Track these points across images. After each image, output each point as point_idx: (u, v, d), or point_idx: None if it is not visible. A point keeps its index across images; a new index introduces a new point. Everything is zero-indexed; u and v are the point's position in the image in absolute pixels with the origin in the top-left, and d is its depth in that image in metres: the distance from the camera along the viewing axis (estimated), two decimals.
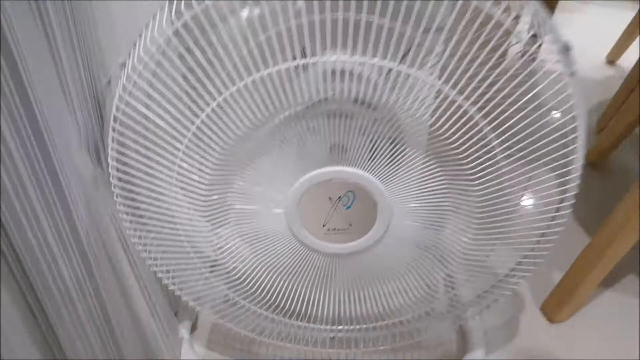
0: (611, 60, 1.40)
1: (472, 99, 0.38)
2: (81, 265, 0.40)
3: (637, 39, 1.33)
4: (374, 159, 0.42)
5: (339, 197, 0.42)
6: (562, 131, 0.42)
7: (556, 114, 0.41)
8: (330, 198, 0.42)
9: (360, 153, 0.42)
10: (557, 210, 0.48)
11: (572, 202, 0.46)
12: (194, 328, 0.64)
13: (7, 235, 0.34)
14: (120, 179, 0.42)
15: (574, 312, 0.67)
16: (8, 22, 0.30)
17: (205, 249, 0.47)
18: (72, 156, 0.38)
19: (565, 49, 0.38)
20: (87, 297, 0.41)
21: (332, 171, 0.40)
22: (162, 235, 0.45)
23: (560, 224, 0.47)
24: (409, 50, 0.37)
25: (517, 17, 0.37)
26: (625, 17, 1.33)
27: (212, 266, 0.48)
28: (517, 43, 0.38)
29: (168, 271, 0.48)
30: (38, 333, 0.39)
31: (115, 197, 0.43)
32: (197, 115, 0.38)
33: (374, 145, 0.43)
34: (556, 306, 0.66)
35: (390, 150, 0.42)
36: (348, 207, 0.42)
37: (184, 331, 0.59)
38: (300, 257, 0.45)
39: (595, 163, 0.98)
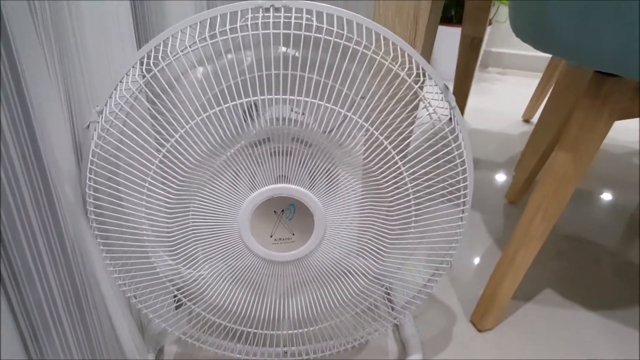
0: (526, 118, 1.61)
1: (387, 135, 0.50)
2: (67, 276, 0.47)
3: (544, 100, 1.55)
4: (312, 183, 0.52)
5: (282, 210, 0.51)
6: (452, 155, 0.54)
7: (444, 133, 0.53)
8: (275, 211, 0.51)
9: (301, 181, 0.52)
10: (455, 235, 0.57)
11: (466, 217, 0.56)
12: (159, 354, 0.69)
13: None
14: (95, 206, 0.50)
15: (499, 320, 0.77)
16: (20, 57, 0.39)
17: (170, 271, 0.54)
18: (62, 180, 0.46)
19: (445, 88, 0.51)
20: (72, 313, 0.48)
21: (275, 187, 0.50)
22: (133, 261, 0.52)
23: (455, 247, 0.57)
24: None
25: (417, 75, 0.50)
26: (535, 82, 1.56)
27: (178, 287, 0.55)
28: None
29: (135, 293, 0.55)
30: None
31: (90, 223, 0.50)
32: (162, 146, 0.48)
33: (311, 175, 0.53)
34: (482, 316, 0.75)
35: (326, 178, 0.53)
36: (290, 219, 0.51)
37: (150, 355, 0.64)
38: (252, 266, 0.53)
39: (514, 201, 1.13)
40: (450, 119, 0.53)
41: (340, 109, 0.48)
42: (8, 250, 0.42)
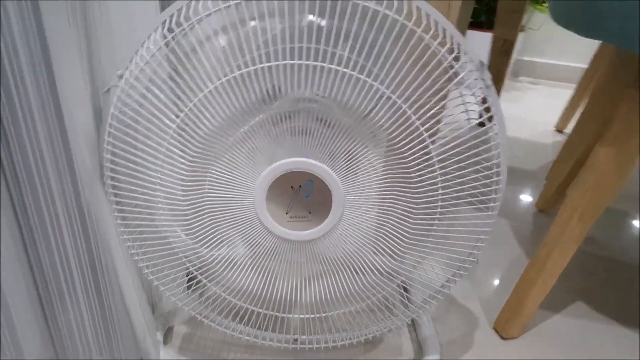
0: (560, 128, 1.55)
1: (416, 110, 0.47)
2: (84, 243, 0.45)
3: (579, 110, 1.49)
4: (332, 164, 0.50)
5: (300, 185, 0.48)
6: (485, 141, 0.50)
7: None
8: (292, 187, 0.49)
9: (321, 161, 0.49)
10: (481, 233, 0.54)
11: (492, 225, 0.52)
12: (167, 336, 0.67)
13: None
14: (112, 170, 0.48)
15: (524, 329, 0.72)
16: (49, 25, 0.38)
17: (184, 241, 0.52)
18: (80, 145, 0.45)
19: (481, 65, 0.48)
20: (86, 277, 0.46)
21: (294, 160, 0.48)
22: (147, 230, 0.50)
23: (479, 249, 0.53)
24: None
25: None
26: (569, 93, 1.51)
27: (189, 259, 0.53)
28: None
29: (148, 262, 0.53)
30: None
31: (106, 189, 0.49)
32: (180, 111, 0.46)
33: (332, 156, 0.50)
34: (506, 323, 0.71)
35: (347, 158, 0.50)
36: (307, 196, 0.49)
37: (158, 334, 0.62)
38: (265, 244, 0.51)
39: (545, 210, 1.08)
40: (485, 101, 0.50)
41: (366, 78, 0.45)
42: (28, 212, 0.41)
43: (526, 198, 1.14)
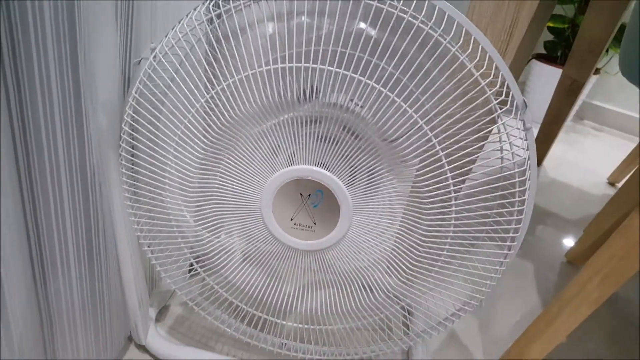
0: (612, 181, 1.46)
1: (444, 146, 0.44)
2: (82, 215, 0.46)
3: (637, 166, 1.40)
4: (351, 180, 0.48)
5: (309, 194, 0.47)
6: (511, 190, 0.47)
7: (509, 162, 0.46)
8: (301, 194, 0.47)
9: (340, 173, 0.48)
10: (496, 270, 0.51)
11: (510, 257, 0.49)
12: (161, 313, 0.68)
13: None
14: (129, 144, 0.48)
15: None
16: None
17: (188, 229, 0.52)
18: (96, 115, 0.45)
19: (524, 105, 0.45)
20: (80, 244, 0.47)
21: (309, 169, 0.46)
22: (152, 209, 0.50)
23: (489, 287, 0.50)
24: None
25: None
26: (631, 146, 1.41)
27: (191, 248, 0.52)
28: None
29: (150, 244, 0.54)
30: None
31: (120, 160, 0.49)
32: (207, 92, 0.45)
33: (352, 170, 0.49)
34: None
35: (368, 177, 0.48)
36: (315, 206, 0.47)
37: (152, 311, 0.63)
38: (266, 246, 0.50)
39: (574, 262, 1.01)
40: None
41: (407, 107, 0.43)
42: (30, 160, 0.41)
43: (558, 247, 1.08)
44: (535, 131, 1.42)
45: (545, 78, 1.72)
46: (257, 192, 0.48)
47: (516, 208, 0.45)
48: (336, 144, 0.48)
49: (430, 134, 0.43)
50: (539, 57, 1.77)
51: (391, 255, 0.49)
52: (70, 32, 0.39)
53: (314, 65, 0.43)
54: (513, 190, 0.46)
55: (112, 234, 0.51)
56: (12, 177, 0.39)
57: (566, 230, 1.16)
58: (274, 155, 0.48)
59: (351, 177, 0.48)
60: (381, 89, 0.42)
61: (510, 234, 0.48)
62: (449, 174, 0.45)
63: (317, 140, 0.48)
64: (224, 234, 0.50)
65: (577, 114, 2.00)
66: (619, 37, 1.52)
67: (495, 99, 0.44)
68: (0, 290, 0.39)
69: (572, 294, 0.59)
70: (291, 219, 0.48)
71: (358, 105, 0.47)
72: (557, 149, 1.59)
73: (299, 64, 0.43)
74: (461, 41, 0.43)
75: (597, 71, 1.80)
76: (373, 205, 0.48)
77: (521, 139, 0.46)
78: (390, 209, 0.49)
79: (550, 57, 1.78)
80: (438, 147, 0.44)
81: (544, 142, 1.41)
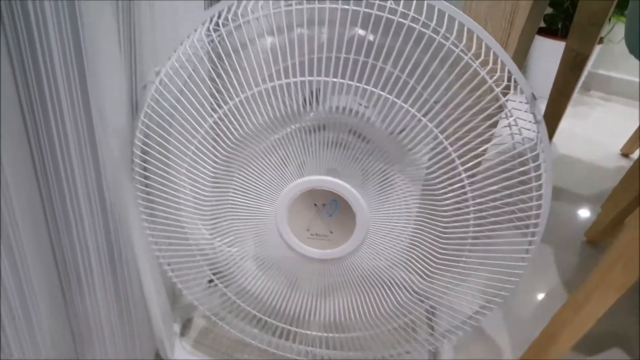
0: (625, 152, 1.44)
1: (456, 147, 0.44)
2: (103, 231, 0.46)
3: None
4: (364, 183, 0.48)
5: (323, 204, 0.47)
6: (528, 185, 0.47)
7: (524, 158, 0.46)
8: (315, 204, 0.47)
9: (352, 177, 0.48)
10: (521, 259, 0.51)
11: (533, 251, 0.49)
12: (185, 327, 0.68)
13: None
14: (142, 167, 0.48)
15: None
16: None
17: (205, 244, 0.52)
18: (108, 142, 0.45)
19: (533, 97, 0.44)
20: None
21: (321, 179, 0.46)
22: (169, 229, 0.51)
23: (520, 273, 0.50)
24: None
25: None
26: None
27: (210, 263, 0.53)
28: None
29: (170, 261, 0.54)
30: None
31: (134, 183, 0.49)
32: (214, 112, 0.45)
33: (364, 173, 0.48)
34: None
35: (380, 181, 0.48)
36: (330, 215, 0.47)
37: (176, 326, 0.63)
38: (283, 257, 0.50)
39: (595, 241, 1.01)
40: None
41: (409, 108, 0.42)
42: (51, 193, 0.42)
43: (576, 226, 1.07)
44: (542, 106, 1.41)
45: (547, 52, 1.70)
46: (271, 206, 0.48)
47: (534, 193, 0.45)
48: (345, 149, 0.48)
49: (436, 131, 0.43)
50: (539, 31, 1.74)
51: (411, 255, 0.49)
52: (77, 59, 0.39)
53: (318, 78, 0.43)
54: (529, 175, 0.45)
55: (133, 255, 0.51)
56: (36, 209, 0.40)
57: (582, 207, 1.15)
58: (285, 166, 0.48)
59: (364, 181, 0.48)
60: (387, 95, 0.42)
61: (532, 220, 0.48)
62: (460, 168, 0.45)
63: (326, 146, 0.48)
64: (240, 247, 0.51)
65: (583, 85, 1.97)
66: (621, 4, 1.49)
67: (503, 93, 0.44)
68: (30, 314, 0.40)
69: (596, 281, 0.59)
70: (307, 229, 0.48)
71: (362, 105, 0.47)
72: (565, 123, 1.57)
73: (303, 78, 0.43)
74: (464, 40, 0.42)
75: (600, 40, 1.77)
76: (388, 208, 0.48)
77: (530, 122, 0.45)
78: (406, 209, 0.49)
79: (550, 30, 1.75)
80: (446, 143, 0.44)
81: (552, 118, 1.39)
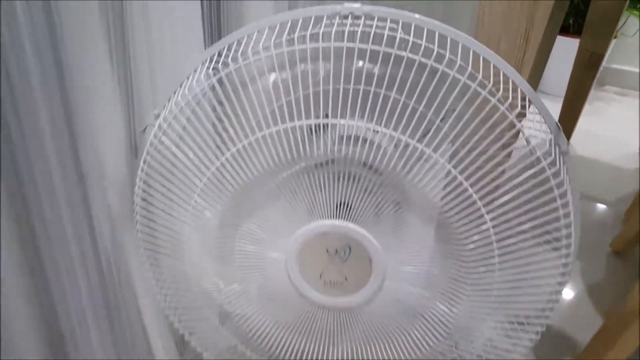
0: None
1: (475, 185, 0.41)
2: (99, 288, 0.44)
3: None
4: (377, 220, 0.45)
5: (336, 250, 0.44)
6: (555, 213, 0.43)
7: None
8: (327, 250, 0.44)
9: (365, 213, 0.45)
10: (555, 291, 0.48)
11: (566, 282, 0.46)
12: None
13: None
14: (143, 216, 0.46)
15: None
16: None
17: (212, 293, 0.50)
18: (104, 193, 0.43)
19: (557, 128, 0.41)
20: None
21: (332, 224, 0.43)
22: (174, 278, 0.48)
23: (556, 301, 0.47)
24: (428, 131, 0.41)
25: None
26: None
27: (218, 311, 0.50)
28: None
29: (176, 310, 0.52)
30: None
31: (137, 233, 0.47)
32: (217, 158, 0.43)
33: (378, 206, 0.46)
34: None
35: (394, 215, 0.45)
36: (344, 261, 0.44)
37: None
38: (297, 308, 0.47)
39: (621, 252, 0.96)
40: (556, 162, 0.43)
41: (417, 144, 0.40)
42: (42, 256, 0.40)
43: (600, 236, 1.03)
44: (557, 106, 1.37)
45: (558, 49, 1.64)
46: (281, 253, 0.45)
47: (560, 206, 0.41)
48: (356, 181, 0.45)
49: (449, 166, 0.40)
50: None
51: (435, 300, 0.46)
52: (66, 115, 0.37)
53: (325, 121, 0.40)
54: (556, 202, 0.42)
55: (136, 308, 0.49)
56: (25, 277, 0.38)
57: (605, 215, 1.11)
58: (293, 207, 0.45)
59: (377, 217, 0.45)
60: (408, 139, 0.39)
61: (564, 238, 0.44)
62: (483, 210, 0.42)
63: (336, 179, 0.45)
64: (248, 296, 0.48)
65: (597, 81, 1.91)
66: None
67: (519, 119, 0.41)
68: None
69: (632, 307, 0.55)
70: (320, 277, 0.45)
71: (372, 130, 0.44)
72: (581, 121, 1.53)
73: (310, 121, 0.40)
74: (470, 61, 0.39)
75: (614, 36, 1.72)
76: (405, 249, 0.45)
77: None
78: (423, 247, 0.46)
79: (561, 28, 1.71)
80: (465, 183, 0.41)
81: (568, 119, 1.35)
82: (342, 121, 0.41)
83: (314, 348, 0.50)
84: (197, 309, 0.50)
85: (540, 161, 0.41)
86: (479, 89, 0.38)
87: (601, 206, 1.13)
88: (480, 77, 0.38)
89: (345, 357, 0.50)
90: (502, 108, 0.39)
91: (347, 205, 0.46)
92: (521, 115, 0.41)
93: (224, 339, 0.53)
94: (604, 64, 1.84)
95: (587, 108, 1.69)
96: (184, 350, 0.66)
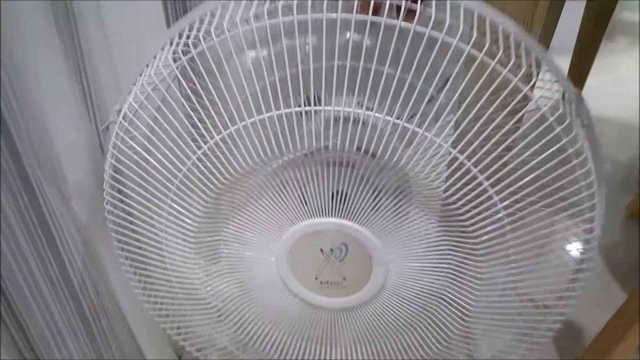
0: None
1: (482, 166, 0.36)
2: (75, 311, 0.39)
3: None
4: (376, 211, 0.40)
5: (331, 249, 0.40)
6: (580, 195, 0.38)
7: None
8: (322, 249, 0.40)
9: (362, 203, 0.40)
10: (578, 270, 0.43)
11: (594, 261, 0.41)
12: None
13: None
14: (114, 223, 0.42)
15: None
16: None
17: (200, 296, 0.46)
18: (69, 205, 0.38)
19: (579, 99, 0.36)
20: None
21: (324, 222, 0.39)
22: (157, 281, 0.44)
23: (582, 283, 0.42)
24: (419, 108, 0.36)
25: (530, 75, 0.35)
26: None
27: (208, 313, 0.46)
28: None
29: (167, 316, 0.48)
30: None
31: (115, 242, 0.43)
32: (191, 155, 0.38)
33: (377, 195, 0.41)
34: None
35: (394, 205, 0.40)
36: (341, 260, 0.40)
37: None
38: (293, 309, 0.43)
39: (637, 215, 0.91)
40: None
41: (417, 129, 0.35)
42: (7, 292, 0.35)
43: (613, 200, 0.97)
44: (564, 62, 1.29)
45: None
46: (272, 254, 0.41)
47: (589, 225, 0.37)
48: (352, 167, 0.40)
49: (463, 159, 0.35)
50: None
51: (445, 293, 0.41)
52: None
53: (317, 108, 0.35)
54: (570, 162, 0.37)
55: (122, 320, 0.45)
56: None
57: (617, 177, 1.05)
58: (282, 201, 0.40)
59: (376, 203, 0.40)
60: (406, 124, 0.34)
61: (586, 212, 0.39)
62: (495, 199, 0.37)
63: (328, 165, 0.40)
64: (238, 300, 0.44)
65: (606, 33, 1.82)
66: None
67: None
68: None
69: None
70: (315, 278, 0.41)
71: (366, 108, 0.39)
72: (590, 78, 1.45)
73: (298, 108, 0.35)
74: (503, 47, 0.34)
75: None
76: (407, 244, 0.40)
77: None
78: (428, 241, 0.41)
79: None
80: (474, 170, 0.36)
81: (577, 77, 1.27)
82: (337, 107, 0.36)
83: (313, 349, 0.46)
84: (188, 315, 0.46)
85: (557, 132, 0.35)
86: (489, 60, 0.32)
87: (613, 167, 1.07)
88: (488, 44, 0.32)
89: (346, 358, 0.46)
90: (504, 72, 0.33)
91: (343, 194, 0.41)
92: (528, 80, 0.35)
93: (220, 342, 0.49)
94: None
95: (596, 63, 1.61)
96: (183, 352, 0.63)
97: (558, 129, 0.34)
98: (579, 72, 1.24)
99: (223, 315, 0.45)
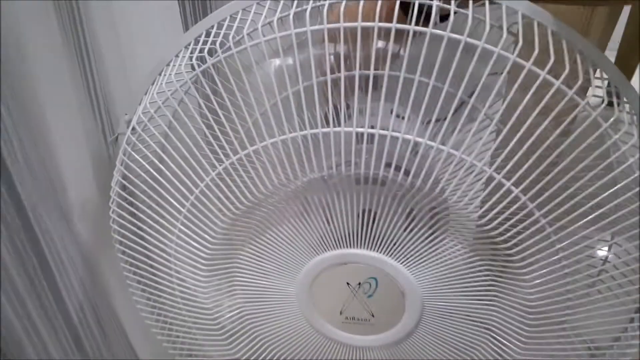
0: None
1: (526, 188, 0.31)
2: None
3: None
4: (408, 234, 0.35)
5: (359, 283, 0.35)
6: None
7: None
8: (348, 283, 0.35)
9: (393, 225, 0.35)
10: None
11: None
12: None
13: None
14: (120, 243, 0.38)
15: None
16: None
17: (212, 325, 0.42)
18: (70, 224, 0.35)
19: None
20: None
21: (351, 254, 0.34)
22: (165, 307, 0.41)
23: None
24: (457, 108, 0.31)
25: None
26: None
27: (220, 344, 0.43)
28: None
29: (177, 342, 0.44)
30: None
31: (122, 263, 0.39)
32: (204, 177, 0.34)
33: (409, 215, 0.36)
34: None
35: (429, 228, 0.36)
36: (370, 296, 0.36)
37: None
38: (312, 345, 0.39)
39: None
40: None
41: (454, 152, 0.30)
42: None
43: None
44: (612, 59, 1.20)
45: None
46: (291, 285, 0.37)
47: None
48: (382, 185, 0.36)
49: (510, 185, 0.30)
50: None
51: (491, 333, 0.36)
52: None
53: (348, 129, 0.30)
54: None
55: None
56: None
57: None
58: (302, 229, 0.36)
59: (410, 227, 0.36)
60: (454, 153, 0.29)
61: None
62: (550, 233, 0.32)
63: (356, 183, 0.36)
64: (254, 335, 0.40)
65: None
66: None
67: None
68: None
69: None
70: (340, 313, 0.37)
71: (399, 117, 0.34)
72: (635, 79, 1.36)
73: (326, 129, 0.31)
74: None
75: None
76: (447, 275, 0.36)
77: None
78: (471, 275, 0.36)
79: None
80: (524, 198, 0.31)
81: (625, 73, 1.19)
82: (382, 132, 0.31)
83: None
84: (198, 343, 0.43)
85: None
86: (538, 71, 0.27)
87: None
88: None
89: None
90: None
91: (372, 214, 0.37)
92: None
93: None
94: None
95: None
96: None
97: (624, 148, 0.30)
98: (626, 69, 1.16)
99: (234, 345, 0.42)
